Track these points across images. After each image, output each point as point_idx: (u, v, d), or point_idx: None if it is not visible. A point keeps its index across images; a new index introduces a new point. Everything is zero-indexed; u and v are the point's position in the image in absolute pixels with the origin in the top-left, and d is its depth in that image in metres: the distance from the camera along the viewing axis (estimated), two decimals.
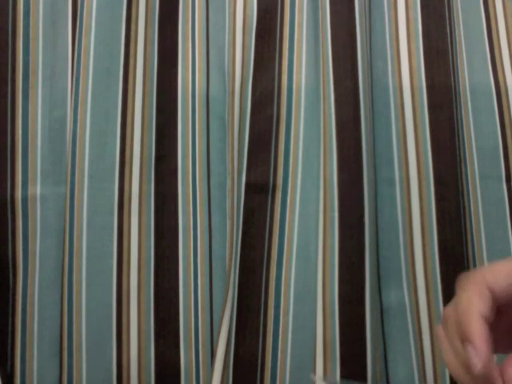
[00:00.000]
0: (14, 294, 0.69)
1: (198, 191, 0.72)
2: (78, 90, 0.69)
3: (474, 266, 0.67)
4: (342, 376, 0.63)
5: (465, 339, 0.29)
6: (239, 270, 0.67)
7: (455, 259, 0.66)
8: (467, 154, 0.69)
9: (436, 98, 0.68)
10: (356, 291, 0.64)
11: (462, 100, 0.70)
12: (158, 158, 0.72)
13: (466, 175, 0.69)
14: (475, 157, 0.70)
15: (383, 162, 0.70)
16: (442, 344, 0.32)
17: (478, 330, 0.29)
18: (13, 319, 0.69)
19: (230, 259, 0.69)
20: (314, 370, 0.64)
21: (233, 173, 0.71)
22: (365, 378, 0.62)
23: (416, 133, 0.68)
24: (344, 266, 0.64)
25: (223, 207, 0.72)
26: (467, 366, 0.29)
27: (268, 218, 0.68)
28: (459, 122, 0.69)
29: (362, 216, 0.65)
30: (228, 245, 0.71)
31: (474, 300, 0.30)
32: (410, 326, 0.68)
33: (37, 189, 0.71)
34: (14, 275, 0.69)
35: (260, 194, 0.69)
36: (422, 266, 0.67)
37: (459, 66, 0.71)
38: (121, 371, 0.68)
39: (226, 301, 0.68)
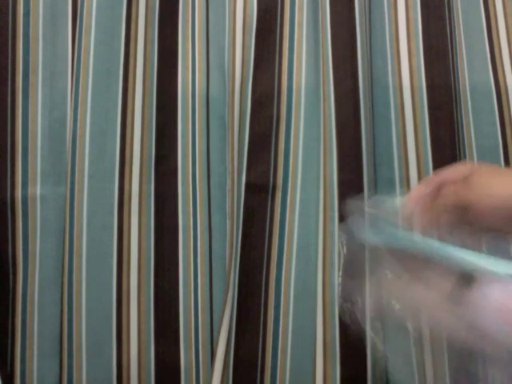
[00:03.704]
0: (14, 294, 0.69)
1: (198, 191, 0.72)
2: (77, 90, 0.69)
3: None
4: (342, 377, 0.63)
5: None
6: (239, 269, 0.67)
7: None
8: (467, 154, 0.69)
9: (436, 98, 0.68)
10: None
11: (461, 100, 0.70)
12: (158, 158, 0.72)
13: None
14: (475, 156, 0.70)
15: (383, 162, 0.70)
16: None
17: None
18: (13, 319, 0.69)
19: (230, 259, 0.69)
20: (314, 370, 0.64)
21: (233, 173, 0.71)
22: (365, 379, 0.62)
23: (416, 133, 0.68)
24: None
25: (223, 207, 0.72)
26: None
27: (268, 218, 0.68)
28: (459, 121, 0.69)
29: None
30: (228, 245, 0.71)
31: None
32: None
33: (37, 189, 0.71)
34: (14, 275, 0.69)
35: (260, 193, 0.69)
36: None
37: (459, 66, 0.71)
38: (121, 371, 0.68)
39: (225, 301, 0.68)
